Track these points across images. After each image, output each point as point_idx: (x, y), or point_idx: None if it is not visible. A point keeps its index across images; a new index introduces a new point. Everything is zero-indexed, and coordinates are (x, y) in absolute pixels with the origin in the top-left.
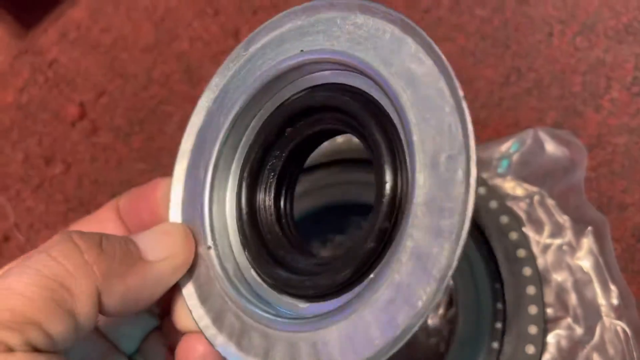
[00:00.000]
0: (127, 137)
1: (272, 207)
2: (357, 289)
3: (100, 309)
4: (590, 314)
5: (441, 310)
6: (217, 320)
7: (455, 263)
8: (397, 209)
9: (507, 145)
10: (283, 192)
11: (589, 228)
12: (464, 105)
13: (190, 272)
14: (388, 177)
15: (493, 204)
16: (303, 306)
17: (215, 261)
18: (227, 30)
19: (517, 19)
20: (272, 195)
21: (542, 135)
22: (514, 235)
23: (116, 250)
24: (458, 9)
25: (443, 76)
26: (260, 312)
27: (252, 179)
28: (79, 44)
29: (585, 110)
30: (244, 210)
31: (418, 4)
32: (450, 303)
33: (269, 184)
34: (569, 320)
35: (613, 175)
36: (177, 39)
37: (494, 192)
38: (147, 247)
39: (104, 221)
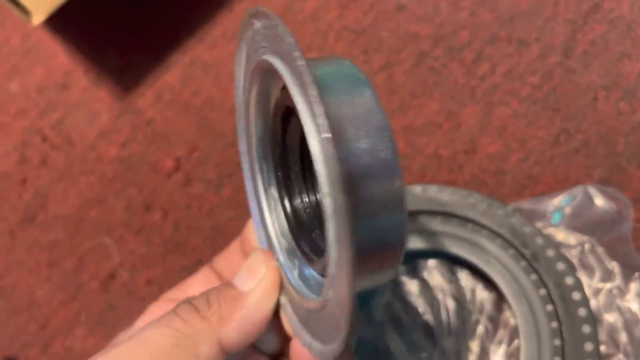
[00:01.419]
0: (217, 188)
1: (309, 206)
2: None
3: (224, 346)
4: (639, 351)
5: (504, 346)
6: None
7: None
8: None
9: (559, 199)
10: (311, 188)
11: (637, 274)
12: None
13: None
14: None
15: (550, 252)
16: None
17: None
18: None
19: (565, 86)
20: (306, 196)
21: (591, 191)
22: (569, 280)
23: (220, 297)
24: (511, 76)
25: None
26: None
27: (285, 191)
28: (173, 105)
29: (629, 167)
30: (291, 219)
31: (475, 72)
32: (512, 338)
33: (298, 189)
34: (620, 356)
35: None
36: None
37: (550, 241)
38: (241, 281)
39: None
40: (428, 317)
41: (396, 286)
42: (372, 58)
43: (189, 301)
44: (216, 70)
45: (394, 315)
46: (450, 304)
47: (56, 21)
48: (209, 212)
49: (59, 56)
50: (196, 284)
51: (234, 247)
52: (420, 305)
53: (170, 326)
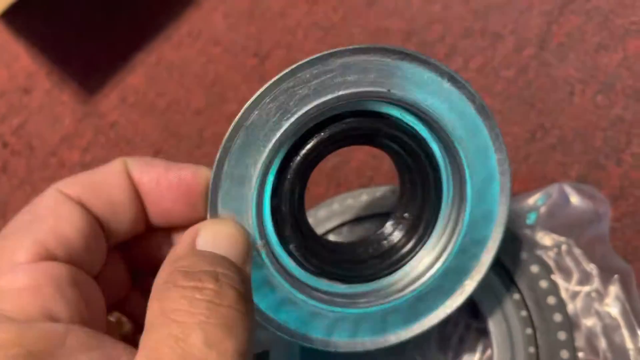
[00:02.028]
0: None
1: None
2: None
3: None
4: (619, 358)
5: (478, 355)
6: (275, 307)
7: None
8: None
9: (535, 199)
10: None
11: (616, 276)
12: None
13: None
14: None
15: (523, 255)
16: (342, 286)
17: (267, 257)
18: None
19: (540, 80)
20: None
21: (567, 189)
22: (544, 284)
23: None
24: (485, 71)
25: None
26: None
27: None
28: (137, 107)
29: (608, 164)
30: (287, 218)
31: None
32: (486, 346)
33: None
34: None
35: (637, 225)
36: (227, 102)
37: (524, 243)
38: (236, 257)
39: (114, 185)
40: None
41: None
42: None
43: (205, 284)
44: (181, 70)
45: None
46: None
47: (19, 22)
48: None
49: (21, 58)
50: (56, 216)
51: (112, 182)
52: None
53: (236, 325)
